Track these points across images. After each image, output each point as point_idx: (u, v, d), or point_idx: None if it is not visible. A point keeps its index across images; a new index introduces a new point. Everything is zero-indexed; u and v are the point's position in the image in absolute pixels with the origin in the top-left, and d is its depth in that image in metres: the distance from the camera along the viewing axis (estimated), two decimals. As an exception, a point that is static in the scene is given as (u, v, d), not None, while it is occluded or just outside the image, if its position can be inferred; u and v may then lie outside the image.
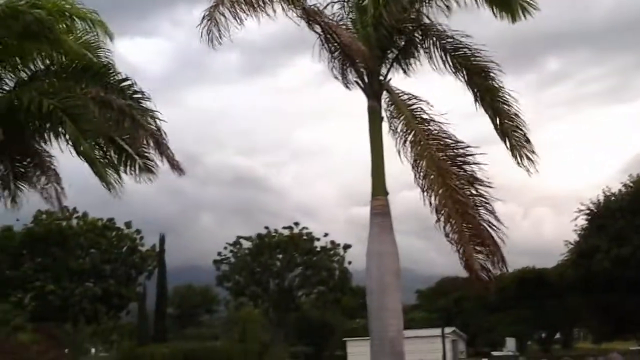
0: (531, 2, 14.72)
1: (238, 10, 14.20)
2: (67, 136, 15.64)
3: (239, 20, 14.27)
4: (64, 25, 15.57)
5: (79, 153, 15.55)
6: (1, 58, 16.06)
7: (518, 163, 15.60)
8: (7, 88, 16.36)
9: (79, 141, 15.21)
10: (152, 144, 16.24)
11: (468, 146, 15.06)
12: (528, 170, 15.59)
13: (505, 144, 15.69)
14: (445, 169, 14.48)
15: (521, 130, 15.66)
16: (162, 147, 16.24)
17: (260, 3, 14.31)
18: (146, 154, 16.61)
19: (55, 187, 17.20)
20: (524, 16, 14.78)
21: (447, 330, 55.12)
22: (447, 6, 15.49)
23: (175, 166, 16.48)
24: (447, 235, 14.05)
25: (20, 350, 44.81)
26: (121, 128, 15.97)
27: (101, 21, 15.85)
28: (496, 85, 15.71)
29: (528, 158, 15.58)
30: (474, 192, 14.74)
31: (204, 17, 14.26)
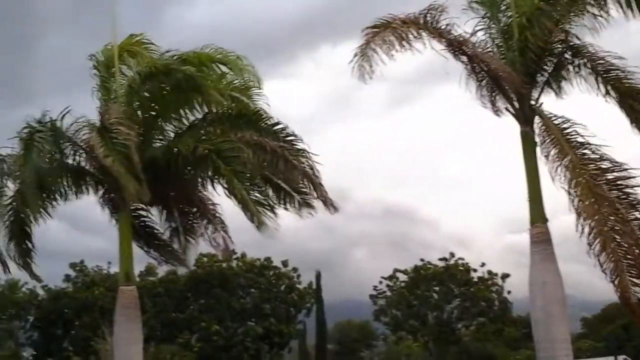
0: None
1: (389, 46, 14.38)
2: (222, 179, 16.09)
3: (389, 55, 14.49)
4: (218, 70, 16.19)
5: (232, 195, 15.90)
6: (160, 110, 16.81)
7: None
8: (169, 138, 17.08)
9: (233, 183, 15.58)
10: (306, 182, 16.44)
11: (629, 168, 14.29)
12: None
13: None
14: (601, 194, 13.83)
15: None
16: (316, 186, 16.39)
17: (410, 38, 14.47)
18: (304, 190, 16.83)
19: (223, 236, 17.50)
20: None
21: (620, 359, 52.16)
22: (596, 22, 14.89)
23: (328, 203, 16.58)
24: (601, 265, 13.40)
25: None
26: (275, 169, 16.28)
27: (251, 66, 16.28)
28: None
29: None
30: (638, 215, 13.92)
31: (355, 54, 14.69)
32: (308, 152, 16.49)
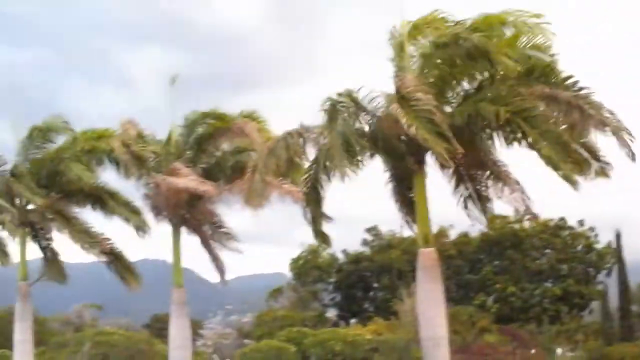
0: None
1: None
2: (526, 141, 15.82)
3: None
4: (509, 33, 15.93)
5: (540, 156, 15.55)
6: (450, 77, 16.91)
7: None
8: (458, 102, 17.15)
9: (539, 144, 15.27)
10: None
11: None
12: None
13: None
14: None
15: None
16: (619, 137, 15.41)
17: None
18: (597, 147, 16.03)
19: (522, 197, 17.22)
20: None
21: None
22: None
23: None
24: None
25: (487, 351, 46.53)
26: (569, 121, 15.66)
27: (544, 23, 15.73)
28: None
29: None
30: None
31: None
32: (603, 104, 15.61)
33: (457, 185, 18.13)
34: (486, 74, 16.69)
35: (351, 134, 16.73)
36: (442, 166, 16.85)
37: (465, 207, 18.39)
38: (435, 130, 15.16)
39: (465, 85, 17.17)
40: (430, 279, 16.88)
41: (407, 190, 18.19)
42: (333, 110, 16.47)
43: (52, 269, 26.20)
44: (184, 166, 22.54)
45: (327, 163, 17.05)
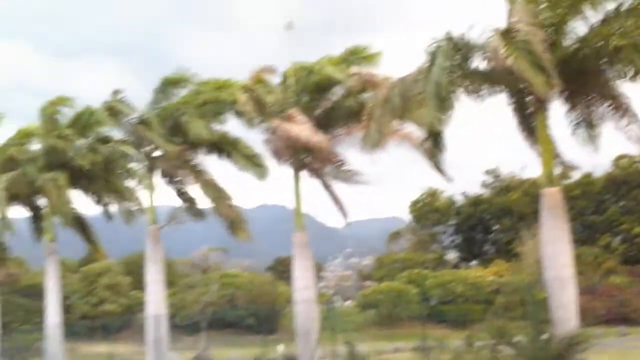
0: None
1: None
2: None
3: None
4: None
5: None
6: (569, 10, 16.27)
7: None
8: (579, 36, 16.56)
9: None
10: None
11: None
12: None
13: None
14: None
15: None
16: None
17: None
18: None
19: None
20: None
21: None
22: None
23: None
24: None
25: (614, 292, 45.35)
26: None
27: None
28: None
29: None
30: None
31: None
32: None
33: (571, 109, 17.63)
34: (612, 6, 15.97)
35: (451, 79, 16.44)
36: (540, 100, 16.40)
37: (576, 133, 17.91)
38: (535, 62, 14.75)
39: (589, 15, 16.52)
40: (555, 219, 16.57)
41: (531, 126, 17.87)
42: (433, 53, 16.32)
43: (187, 212, 27.35)
44: (300, 113, 22.76)
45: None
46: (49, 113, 28.16)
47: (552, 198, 16.63)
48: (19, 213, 30.39)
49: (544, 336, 15.99)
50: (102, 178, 27.68)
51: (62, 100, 28.25)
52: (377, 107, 17.81)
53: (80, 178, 27.76)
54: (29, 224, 30.48)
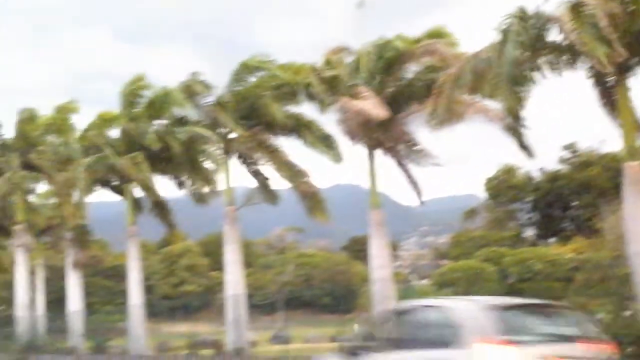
0: None
1: None
2: None
3: None
4: None
5: None
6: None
7: None
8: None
9: None
10: None
11: None
12: None
13: None
14: None
15: None
16: None
17: None
18: None
19: None
20: None
21: None
22: None
23: None
24: None
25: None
26: None
27: None
28: None
29: None
30: None
31: None
32: None
33: None
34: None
35: (525, 56, 16.04)
36: (621, 71, 15.90)
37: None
38: (598, 35, 14.38)
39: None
40: (638, 194, 16.06)
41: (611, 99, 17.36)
42: (507, 29, 15.97)
43: (263, 193, 27.65)
44: (367, 89, 22.64)
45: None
46: (127, 95, 28.77)
47: (634, 172, 16.13)
48: (102, 197, 31.26)
49: (628, 313, 15.60)
50: (180, 160, 28.14)
51: (138, 80, 28.82)
52: (447, 83, 17.57)
53: (159, 161, 28.35)
54: (111, 207, 31.32)
